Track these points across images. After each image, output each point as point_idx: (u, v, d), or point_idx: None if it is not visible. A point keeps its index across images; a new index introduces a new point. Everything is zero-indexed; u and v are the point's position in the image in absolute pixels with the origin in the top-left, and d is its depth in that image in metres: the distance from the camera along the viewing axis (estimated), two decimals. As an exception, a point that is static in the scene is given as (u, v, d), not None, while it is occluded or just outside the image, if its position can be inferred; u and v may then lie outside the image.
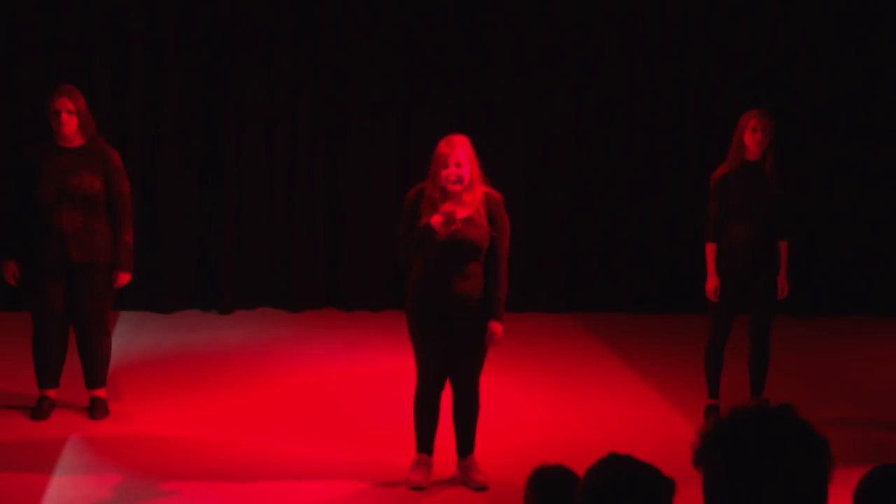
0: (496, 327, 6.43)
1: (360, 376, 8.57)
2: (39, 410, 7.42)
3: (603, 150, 10.80)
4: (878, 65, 10.79)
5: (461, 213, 6.27)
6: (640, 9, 10.68)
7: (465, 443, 6.61)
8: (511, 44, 10.58)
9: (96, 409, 7.46)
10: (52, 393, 7.50)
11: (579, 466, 2.96)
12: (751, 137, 7.39)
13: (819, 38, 10.76)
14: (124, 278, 7.47)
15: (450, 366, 6.50)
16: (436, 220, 6.25)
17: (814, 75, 10.80)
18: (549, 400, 8.16)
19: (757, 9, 10.73)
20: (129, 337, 9.32)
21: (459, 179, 6.33)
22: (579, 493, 2.69)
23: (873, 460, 3.38)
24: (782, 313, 7.97)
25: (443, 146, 6.40)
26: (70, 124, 7.27)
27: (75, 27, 10.12)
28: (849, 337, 10.21)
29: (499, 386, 8.00)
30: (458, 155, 6.34)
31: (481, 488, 6.51)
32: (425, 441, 6.59)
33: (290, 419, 7.59)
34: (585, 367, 9.04)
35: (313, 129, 10.49)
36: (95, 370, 7.50)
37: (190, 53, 10.28)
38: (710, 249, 7.54)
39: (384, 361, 8.77)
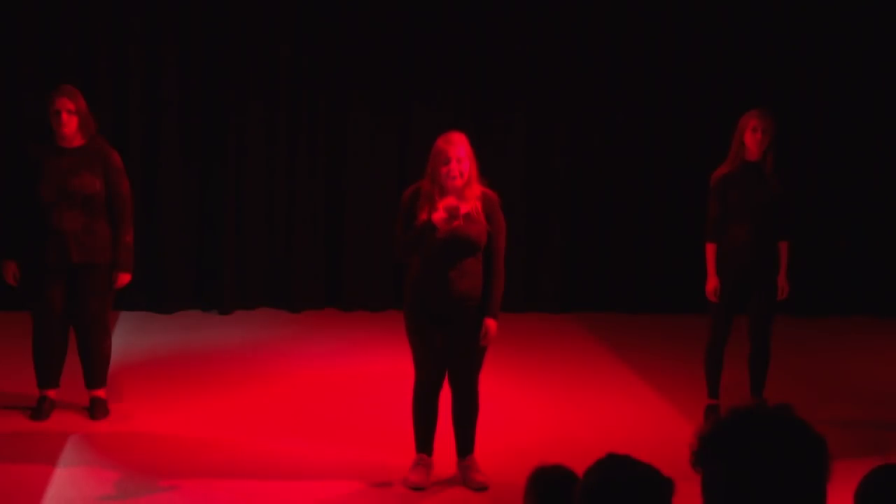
0: (490, 324, 6.43)
1: (360, 376, 8.57)
2: (39, 410, 7.42)
3: (603, 150, 10.80)
4: (878, 65, 10.79)
5: (462, 208, 6.27)
6: (640, 9, 10.68)
7: (465, 443, 6.61)
8: (511, 43, 10.58)
9: (96, 409, 7.46)
10: (52, 393, 7.50)
11: (579, 466, 2.96)
12: (751, 138, 7.39)
13: (819, 38, 10.77)
14: (124, 279, 7.47)
15: (449, 365, 6.50)
16: (438, 216, 6.24)
17: (814, 75, 10.80)
18: (549, 400, 8.16)
19: (757, 9, 10.73)
20: (129, 337, 9.32)
21: (460, 174, 6.33)
22: (578, 493, 2.69)
23: (873, 460, 3.38)
24: (782, 313, 7.96)
25: (441, 143, 6.40)
26: (70, 124, 7.27)
27: (75, 27, 10.13)
28: (849, 337, 10.22)
29: (499, 386, 8.00)
30: (458, 151, 6.34)
31: (481, 488, 6.50)
32: (425, 441, 6.58)
33: (290, 419, 7.59)
34: (585, 367, 9.04)
35: (313, 128, 10.50)
36: (95, 370, 7.50)
37: (190, 53, 10.29)
38: (711, 249, 7.54)
39: (384, 362, 8.77)
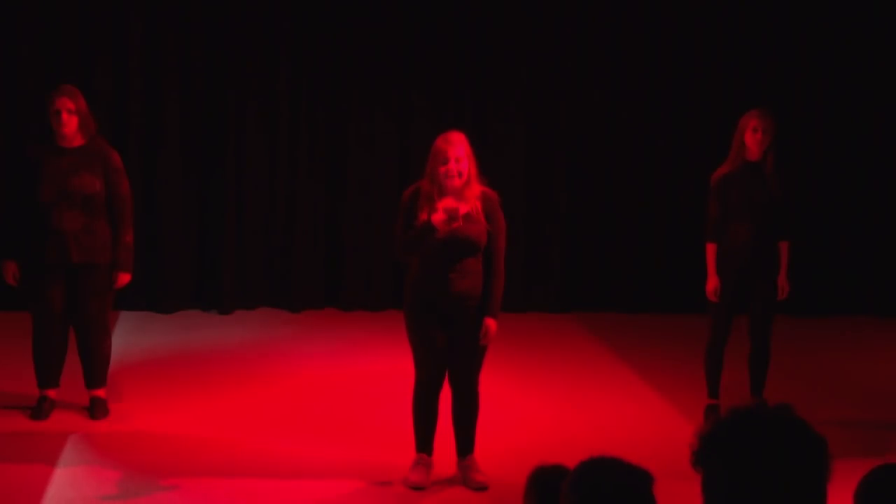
0: (490, 323, 6.43)
1: (360, 376, 8.57)
2: (39, 410, 7.41)
3: (603, 150, 10.80)
4: (878, 65, 10.79)
5: (462, 208, 6.27)
6: (640, 8, 10.68)
7: (465, 443, 6.61)
8: (511, 44, 10.58)
9: (96, 409, 7.46)
10: (52, 393, 7.50)
11: (579, 466, 2.96)
12: (751, 138, 7.39)
13: (819, 38, 10.76)
14: (124, 279, 7.46)
15: (449, 365, 6.50)
16: (437, 217, 6.24)
17: (814, 75, 10.80)
18: (549, 400, 8.16)
19: (757, 9, 10.73)
20: (129, 337, 9.31)
21: (459, 174, 6.34)
22: None
23: (873, 460, 3.38)
24: (782, 313, 7.96)
25: (441, 143, 6.40)
26: (70, 124, 7.27)
27: (75, 27, 10.12)
28: (849, 337, 10.21)
29: (499, 386, 7.99)
30: (457, 150, 6.35)
31: (481, 488, 6.50)
32: (425, 441, 6.58)
33: (290, 419, 7.59)
34: (585, 367, 9.04)
35: (313, 129, 10.50)
36: (95, 370, 7.49)
37: (189, 53, 10.29)
38: (711, 249, 7.54)
39: (384, 361, 8.76)
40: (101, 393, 7.52)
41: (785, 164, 7.82)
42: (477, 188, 6.44)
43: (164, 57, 10.22)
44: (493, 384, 7.48)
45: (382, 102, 10.51)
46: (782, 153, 7.98)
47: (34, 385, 7.51)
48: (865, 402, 8.30)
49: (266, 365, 8.79)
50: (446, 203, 6.26)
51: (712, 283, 7.50)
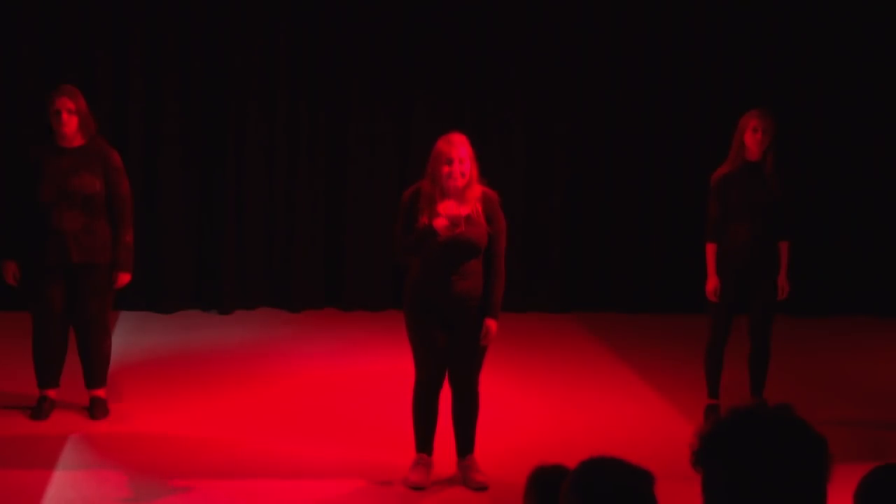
0: (491, 324, 6.44)
1: (360, 376, 8.57)
2: (39, 410, 7.42)
3: (603, 150, 10.80)
4: (878, 65, 10.79)
5: (463, 211, 6.27)
6: (640, 9, 10.68)
7: (465, 443, 6.61)
8: (511, 44, 10.58)
9: (96, 409, 7.46)
10: (52, 393, 7.50)
11: (579, 466, 2.96)
12: (751, 138, 7.39)
13: (819, 38, 10.76)
14: (124, 278, 7.47)
15: (449, 365, 6.50)
16: (439, 222, 6.24)
17: (814, 75, 10.80)
18: (549, 400, 8.16)
19: (757, 9, 10.73)
20: (129, 337, 9.32)
21: (461, 175, 6.34)
22: None
23: (873, 460, 3.38)
24: (782, 313, 7.96)
25: (442, 144, 6.40)
26: (70, 124, 7.27)
27: (75, 27, 10.12)
28: (849, 337, 10.21)
29: (499, 386, 7.99)
30: (459, 152, 6.35)
31: (481, 488, 6.50)
32: (425, 441, 6.59)
33: (290, 419, 7.59)
34: (585, 367, 9.04)
35: (313, 129, 10.50)
36: (95, 370, 7.50)
37: (190, 53, 10.29)
38: (711, 249, 7.54)
39: (384, 361, 8.77)
40: (101, 393, 7.53)
41: (785, 164, 7.82)
42: (478, 189, 6.44)
43: (164, 57, 10.22)
44: (493, 384, 7.49)
45: (383, 102, 10.51)
46: (782, 153, 7.98)
47: (34, 385, 7.51)
48: (865, 402, 8.30)
49: (266, 365, 8.79)
50: (449, 209, 6.26)
51: (712, 283, 7.50)
